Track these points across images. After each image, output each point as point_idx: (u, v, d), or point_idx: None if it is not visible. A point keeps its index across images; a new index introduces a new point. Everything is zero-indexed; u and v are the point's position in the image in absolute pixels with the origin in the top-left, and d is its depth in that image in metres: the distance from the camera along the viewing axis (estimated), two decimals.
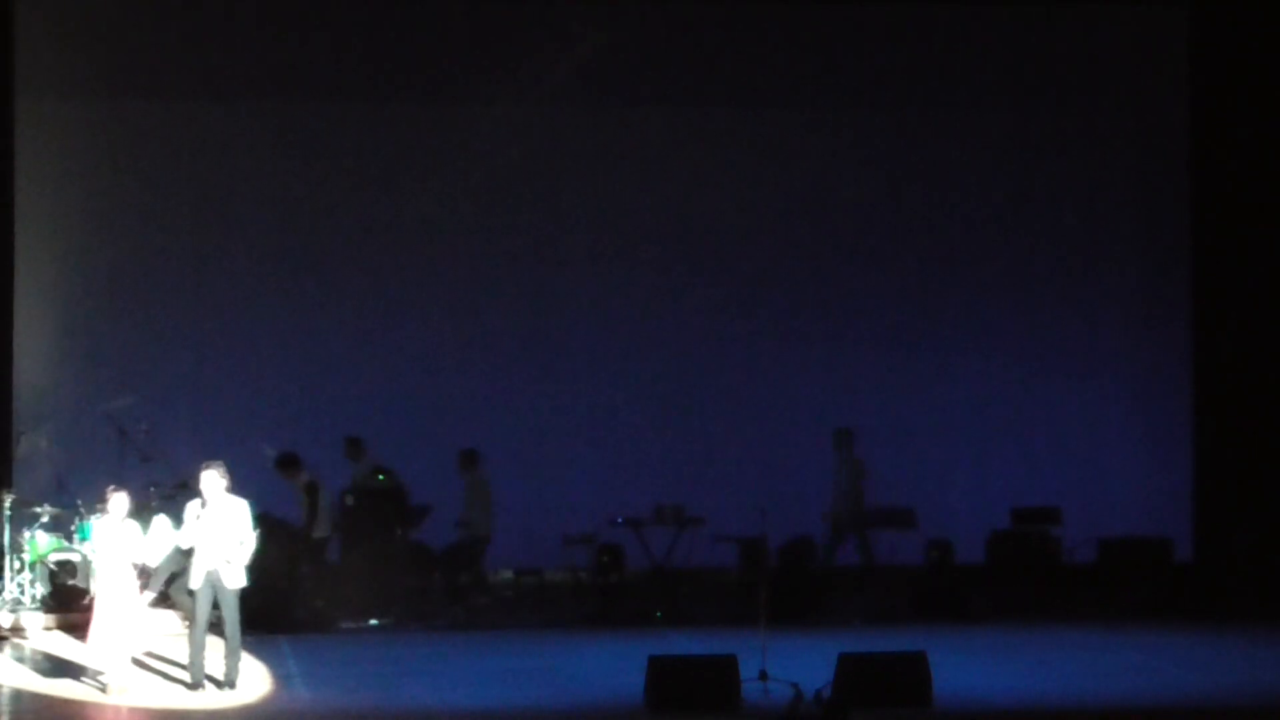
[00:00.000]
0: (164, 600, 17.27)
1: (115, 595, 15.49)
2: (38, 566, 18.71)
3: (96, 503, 17.05)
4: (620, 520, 20.25)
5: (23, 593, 18.64)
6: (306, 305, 21.76)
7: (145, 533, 15.69)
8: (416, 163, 21.92)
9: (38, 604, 18.60)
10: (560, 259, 22.13)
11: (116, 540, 15.59)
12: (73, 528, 18.96)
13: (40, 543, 18.77)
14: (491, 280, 22.02)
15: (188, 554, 15.70)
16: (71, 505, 19.15)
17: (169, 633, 17.71)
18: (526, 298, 22.07)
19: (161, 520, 15.90)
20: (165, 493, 18.38)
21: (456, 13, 21.96)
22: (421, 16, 21.89)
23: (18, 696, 15.71)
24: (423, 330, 21.87)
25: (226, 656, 15.58)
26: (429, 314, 21.92)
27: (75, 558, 18.59)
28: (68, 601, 18.52)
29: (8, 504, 18.96)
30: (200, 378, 21.51)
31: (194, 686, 15.50)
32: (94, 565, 18.12)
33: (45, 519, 18.97)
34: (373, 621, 19.05)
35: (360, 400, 21.54)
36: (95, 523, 16.61)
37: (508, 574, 21.33)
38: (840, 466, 21.05)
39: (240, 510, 15.52)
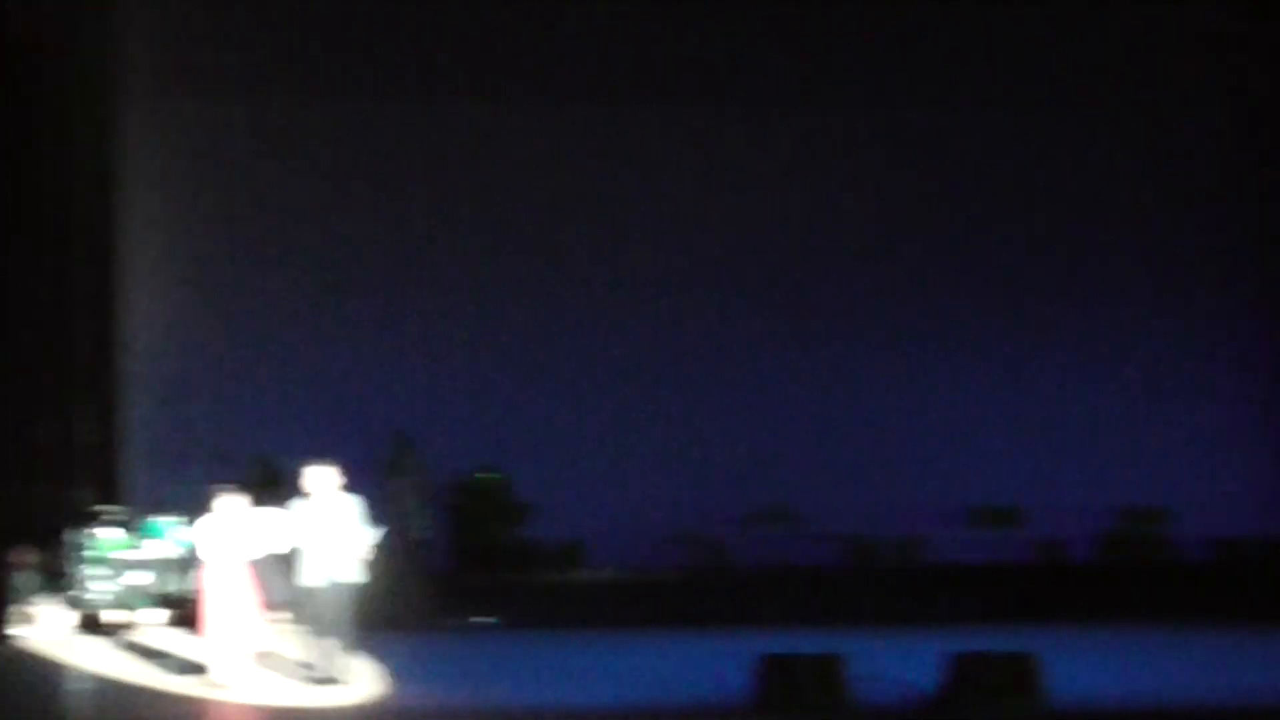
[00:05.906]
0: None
1: (227, 592, 15.60)
2: (105, 563, 18.74)
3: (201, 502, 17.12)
4: (724, 518, 20.22)
5: (90, 590, 18.66)
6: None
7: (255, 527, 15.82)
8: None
9: (110, 600, 18.66)
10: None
11: (228, 538, 15.69)
12: (138, 526, 19.09)
13: (107, 540, 18.86)
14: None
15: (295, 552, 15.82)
16: (138, 504, 19.33)
17: (281, 629, 17.82)
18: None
19: (272, 511, 15.96)
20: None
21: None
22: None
23: (132, 692, 15.83)
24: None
25: (335, 654, 15.65)
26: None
27: (142, 555, 18.67)
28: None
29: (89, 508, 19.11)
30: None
31: (318, 683, 15.59)
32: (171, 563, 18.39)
33: (111, 517, 19.09)
34: (481, 620, 19.10)
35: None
36: (207, 521, 16.69)
37: (609, 572, 21.35)
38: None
39: (353, 507, 15.62)
